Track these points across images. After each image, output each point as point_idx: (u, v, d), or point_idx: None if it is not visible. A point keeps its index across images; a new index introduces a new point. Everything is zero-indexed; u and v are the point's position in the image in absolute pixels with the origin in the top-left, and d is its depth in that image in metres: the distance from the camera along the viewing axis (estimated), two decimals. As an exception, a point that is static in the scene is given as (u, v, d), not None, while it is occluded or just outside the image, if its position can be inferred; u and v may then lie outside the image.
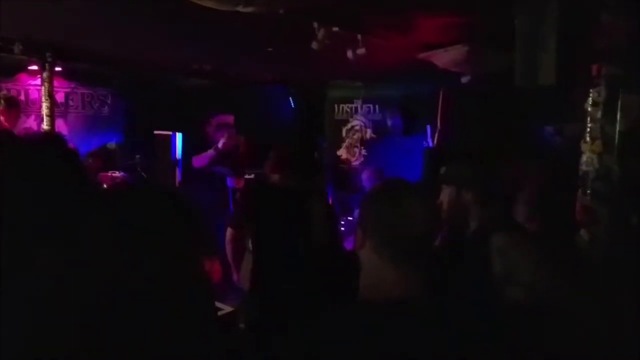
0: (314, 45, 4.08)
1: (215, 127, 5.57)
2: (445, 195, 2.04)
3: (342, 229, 5.94)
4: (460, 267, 1.89)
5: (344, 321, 1.10)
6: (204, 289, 1.12)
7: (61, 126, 6.13)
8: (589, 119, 2.48)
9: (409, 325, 1.05)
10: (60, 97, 6.17)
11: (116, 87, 6.47)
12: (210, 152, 5.18)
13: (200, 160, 5.27)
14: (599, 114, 2.43)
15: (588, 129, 2.49)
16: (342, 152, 7.70)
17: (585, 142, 2.47)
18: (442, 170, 2.20)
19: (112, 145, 6.09)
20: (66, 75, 6.10)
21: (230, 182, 5.33)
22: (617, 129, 2.39)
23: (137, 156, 5.63)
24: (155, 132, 6.10)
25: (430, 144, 6.72)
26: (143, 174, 5.32)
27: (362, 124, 7.57)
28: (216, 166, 5.30)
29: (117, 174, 5.33)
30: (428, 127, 6.66)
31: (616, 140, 2.37)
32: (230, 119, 5.59)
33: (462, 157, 2.33)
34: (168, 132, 6.01)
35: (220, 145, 5.13)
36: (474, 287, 1.73)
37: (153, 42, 4.84)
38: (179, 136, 5.99)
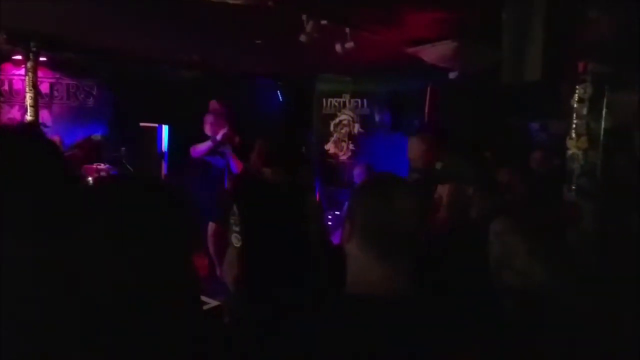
0: (303, 38, 4.06)
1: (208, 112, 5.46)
2: (444, 188, 2.04)
3: (330, 223, 5.95)
4: (457, 258, 1.90)
5: (331, 316, 1.09)
6: (192, 282, 1.12)
7: (45, 117, 6.05)
8: (574, 115, 2.50)
9: (395, 320, 1.05)
10: (44, 87, 6.10)
11: (102, 78, 6.40)
12: (208, 143, 5.07)
13: (198, 151, 5.14)
14: (584, 111, 2.46)
15: (574, 126, 2.51)
16: (330, 147, 7.69)
17: (571, 138, 2.49)
18: (439, 165, 2.20)
19: (97, 137, 6.01)
20: (51, 65, 6.02)
21: (233, 167, 5.20)
22: (603, 125, 2.41)
23: (123, 148, 5.57)
24: (141, 124, 6.04)
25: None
26: (128, 166, 5.26)
27: (350, 119, 7.57)
28: (212, 156, 5.19)
29: (102, 166, 5.27)
30: (416, 122, 6.67)
31: (601, 137, 2.39)
32: (216, 105, 5.44)
33: (458, 152, 2.34)
34: (154, 124, 5.96)
35: (219, 137, 5.04)
36: (468, 278, 1.75)
37: (140, 33, 4.78)
38: (165, 128, 5.94)
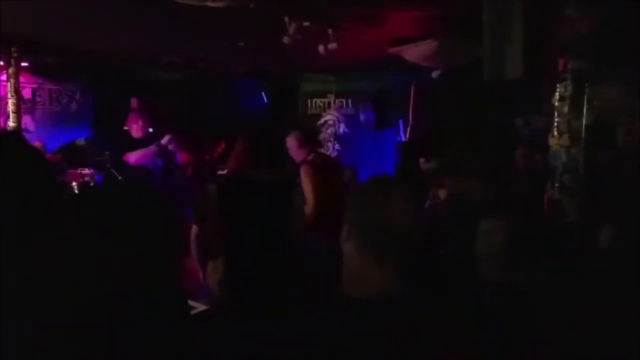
0: (285, 39, 4.07)
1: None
2: (443, 184, 2.04)
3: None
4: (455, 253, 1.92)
5: (326, 317, 1.10)
6: (176, 287, 1.12)
7: (28, 123, 5.98)
8: (556, 113, 2.53)
9: (392, 321, 1.05)
10: (27, 93, 6.04)
11: (85, 82, 6.33)
12: (152, 148, 4.67)
13: (141, 157, 4.68)
14: (565, 109, 2.49)
15: (555, 123, 2.54)
16: (315, 147, 7.70)
17: (553, 136, 2.52)
18: (434, 162, 2.21)
19: (80, 141, 5.95)
20: (33, 70, 5.95)
21: (179, 158, 5.00)
22: (584, 122, 2.44)
23: (107, 152, 5.51)
24: (125, 127, 5.98)
25: (403, 138, 6.78)
26: (113, 171, 5.19)
27: (335, 119, 7.58)
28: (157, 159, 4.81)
29: (86, 171, 5.21)
30: (400, 122, 6.70)
31: (583, 134, 2.42)
32: (134, 102, 5.12)
33: (453, 148, 2.34)
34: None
35: (164, 142, 4.71)
36: (466, 276, 1.77)
37: (122, 36, 4.75)
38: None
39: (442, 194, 2.03)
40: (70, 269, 0.94)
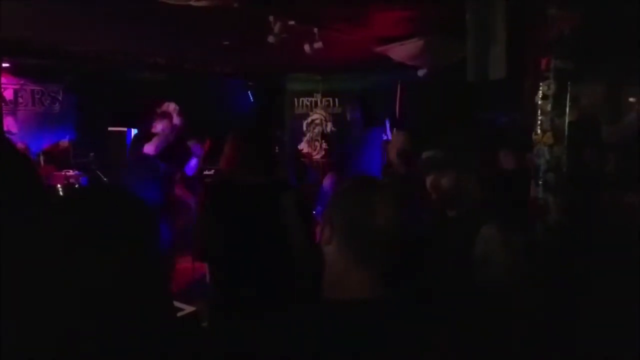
0: (271, 39, 4.05)
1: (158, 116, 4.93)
2: (437, 179, 2.01)
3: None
4: (440, 251, 1.91)
5: (308, 320, 1.09)
6: (160, 288, 1.11)
7: (10, 124, 5.90)
8: (539, 111, 2.54)
9: (373, 323, 1.05)
10: (8, 94, 5.97)
11: (68, 82, 6.27)
12: (194, 160, 4.55)
13: (158, 144, 4.32)
14: (549, 107, 2.49)
15: (539, 122, 2.54)
16: (303, 146, 7.69)
17: (537, 134, 2.53)
18: (430, 154, 2.18)
19: (64, 142, 5.88)
20: (14, 71, 5.89)
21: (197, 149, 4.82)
22: (567, 120, 2.45)
23: (91, 154, 5.46)
24: (110, 128, 5.94)
25: (390, 137, 6.79)
26: (99, 172, 5.15)
27: (323, 118, 7.58)
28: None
29: (71, 172, 5.16)
30: (387, 121, 6.71)
31: (566, 132, 2.43)
32: (171, 107, 4.71)
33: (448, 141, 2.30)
34: (123, 128, 5.85)
35: (201, 151, 4.55)
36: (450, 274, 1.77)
37: (105, 36, 4.70)
38: (134, 132, 5.84)
39: (444, 182, 1.99)
40: (49, 271, 0.94)
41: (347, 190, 1.21)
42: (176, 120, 4.48)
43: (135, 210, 1.07)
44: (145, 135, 4.37)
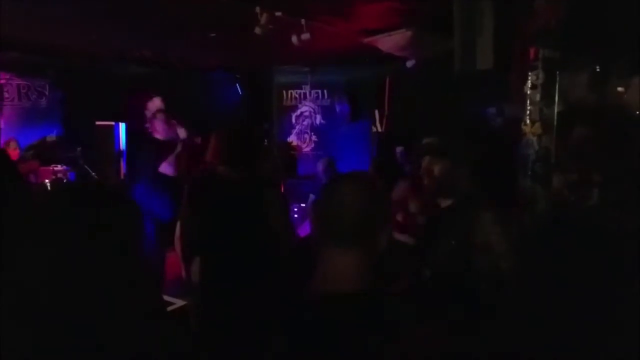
0: (257, 30, 4.03)
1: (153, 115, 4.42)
2: (431, 163, 2.00)
3: (295, 216, 5.94)
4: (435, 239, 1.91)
5: (298, 310, 1.10)
6: (147, 284, 1.11)
7: (-4, 119, 5.84)
8: (528, 101, 2.55)
9: (357, 314, 1.05)
10: (-6, 89, 5.90)
11: (54, 77, 6.18)
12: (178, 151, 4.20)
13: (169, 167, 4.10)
14: (537, 97, 2.50)
15: (528, 112, 2.55)
16: (292, 139, 7.66)
17: (526, 124, 2.54)
18: (429, 140, 2.17)
19: (52, 137, 5.81)
20: (0, 66, 5.79)
21: None
22: (556, 110, 2.46)
23: (79, 148, 5.40)
24: (97, 122, 5.86)
25: (379, 128, 6.79)
26: (86, 167, 5.11)
27: (312, 110, 7.56)
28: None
29: (58, 167, 5.10)
30: (376, 112, 6.71)
31: (555, 122, 2.45)
32: (158, 102, 4.61)
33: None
34: (110, 122, 5.78)
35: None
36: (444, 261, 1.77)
37: (91, 30, 4.64)
38: (122, 126, 5.78)
39: (436, 169, 1.99)
40: (31, 268, 0.93)
41: (329, 185, 1.23)
42: (182, 133, 4.30)
43: (121, 207, 1.07)
44: (147, 139, 4.25)
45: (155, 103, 4.61)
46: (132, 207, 1.09)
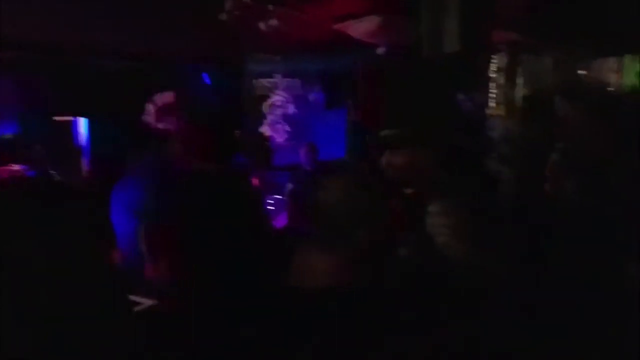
0: (223, 16, 3.94)
1: (159, 111, 4.56)
2: (391, 155, 1.98)
3: (271, 208, 5.89)
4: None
5: (275, 307, 1.10)
6: (109, 282, 1.06)
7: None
8: (493, 84, 2.52)
9: (339, 311, 1.05)
10: None
11: (5, 70, 5.94)
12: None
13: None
14: (502, 80, 2.47)
15: (493, 95, 2.52)
16: (265, 129, 7.55)
17: (491, 107, 2.51)
18: (386, 132, 2.14)
19: (7, 135, 5.61)
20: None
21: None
22: (520, 93, 2.43)
23: (37, 146, 5.23)
24: (55, 118, 5.69)
25: (353, 117, 6.76)
26: (47, 165, 4.95)
27: (284, 99, 7.44)
28: None
29: (15, 167, 4.92)
30: (349, 101, 6.67)
31: (519, 104, 2.41)
32: (170, 97, 4.31)
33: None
34: (69, 117, 5.62)
35: None
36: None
37: (45, 18, 4.47)
38: (82, 121, 5.61)
39: (396, 160, 1.97)
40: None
41: (322, 180, 1.23)
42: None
43: (81, 205, 1.02)
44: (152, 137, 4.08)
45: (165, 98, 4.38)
46: (94, 205, 1.05)
